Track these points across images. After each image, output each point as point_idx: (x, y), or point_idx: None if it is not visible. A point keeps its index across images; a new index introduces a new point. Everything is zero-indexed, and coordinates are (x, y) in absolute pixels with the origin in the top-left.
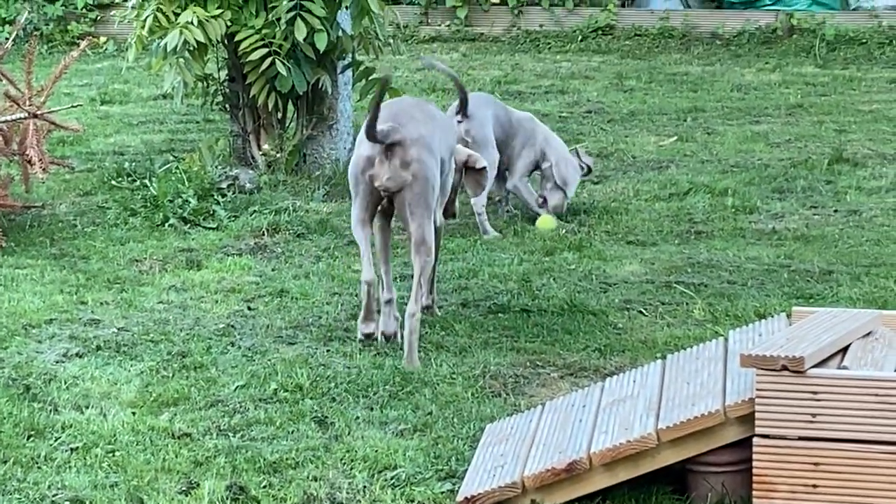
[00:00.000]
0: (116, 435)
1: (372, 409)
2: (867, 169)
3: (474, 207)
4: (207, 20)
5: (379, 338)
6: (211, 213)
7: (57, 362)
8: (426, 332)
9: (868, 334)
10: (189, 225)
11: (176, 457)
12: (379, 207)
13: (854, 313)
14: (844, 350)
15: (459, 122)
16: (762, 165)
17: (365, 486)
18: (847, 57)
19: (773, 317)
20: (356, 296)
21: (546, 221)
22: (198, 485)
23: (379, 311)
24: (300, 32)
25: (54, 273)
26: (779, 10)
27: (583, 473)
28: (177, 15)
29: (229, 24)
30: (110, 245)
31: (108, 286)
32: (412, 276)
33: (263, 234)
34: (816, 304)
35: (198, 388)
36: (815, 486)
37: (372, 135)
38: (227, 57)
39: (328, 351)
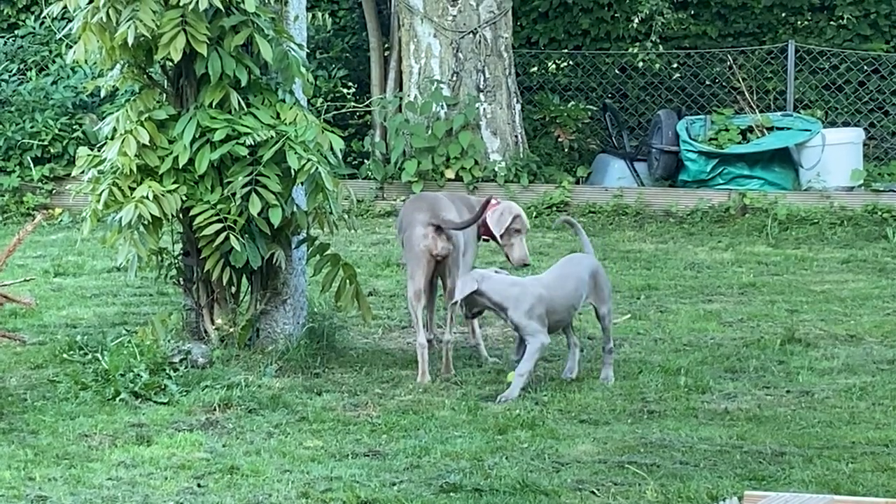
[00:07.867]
0: None
1: None
2: (819, 350)
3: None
4: (163, 195)
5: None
6: (162, 387)
7: None
8: None
9: None
10: (140, 399)
11: None
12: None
13: (806, 499)
14: None
15: None
16: (715, 345)
17: None
18: (799, 237)
19: (724, 500)
20: (307, 473)
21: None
22: None
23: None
24: (255, 207)
25: (2, 448)
26: (731, 190)
27: None
28: (132, 189)
29: (184, 198)
30: (60, 420)
31: (57, 462)
32: None
33: (215, 410)
34: (769, 486)
35: None
36: None
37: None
38: (181, 231)
39: None
